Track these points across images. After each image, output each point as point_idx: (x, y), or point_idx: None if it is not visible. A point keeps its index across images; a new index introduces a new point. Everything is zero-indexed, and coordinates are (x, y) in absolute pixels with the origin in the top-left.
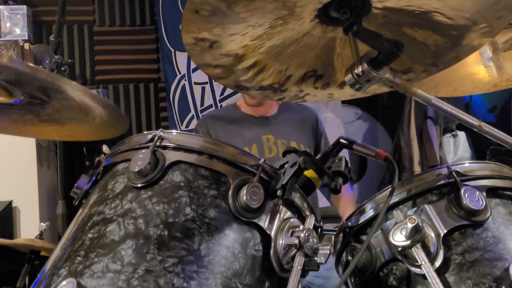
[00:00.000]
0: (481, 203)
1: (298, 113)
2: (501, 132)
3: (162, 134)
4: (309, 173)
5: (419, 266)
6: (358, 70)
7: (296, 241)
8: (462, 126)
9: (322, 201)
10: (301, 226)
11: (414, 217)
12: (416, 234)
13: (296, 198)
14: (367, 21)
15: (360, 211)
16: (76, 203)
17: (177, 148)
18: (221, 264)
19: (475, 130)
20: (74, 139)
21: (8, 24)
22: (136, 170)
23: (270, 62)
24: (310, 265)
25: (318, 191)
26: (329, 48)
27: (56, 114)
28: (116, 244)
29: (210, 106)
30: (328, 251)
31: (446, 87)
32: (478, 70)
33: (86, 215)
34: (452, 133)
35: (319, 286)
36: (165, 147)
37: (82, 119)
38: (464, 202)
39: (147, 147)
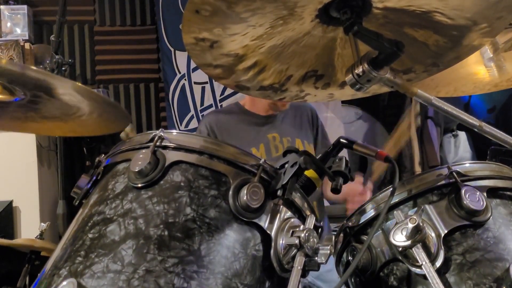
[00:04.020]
0: (481, 203)
1: (295, 109)
2: (501, 132)
3: (162, 134)
4: (309, 173)
5: (419, 266)
6: (359, 70)
7: (297, 241)
8: (463, 126)
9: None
10: (302, 226)
11: (414, 217)
12: (417, 234)
13: (297, 198)
14: (367, 21)
15: (360, 211)
16: (76, 203)
17: (178, 148)
18: (222, 264)
19: (476, 130)
20: (75, 134)
21: (8, 24)
22: (136, 170)
23: (270, 62)
24: (310, 265)
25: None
26: (329, 48)
27: (57, 111)
28: (116, 244)
29: (210, 106)
30: (329, 251)
31: (447, 87)
32: (478, 70)
33: (87, 215)
34: (453, 133)
35: (320, 286)
36: (165, 147)
37: (78, 116)
38: (465, 202)
39: (148, 147)
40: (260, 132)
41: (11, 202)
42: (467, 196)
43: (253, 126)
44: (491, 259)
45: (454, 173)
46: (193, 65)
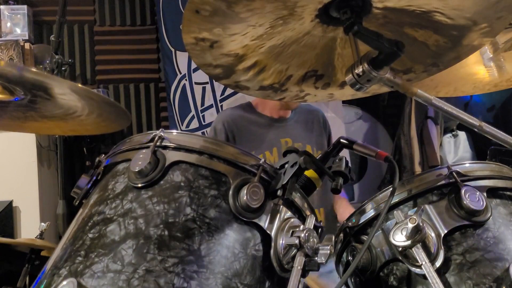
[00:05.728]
0: (481, 203)
1: (307, 114)
2: (501, 132)
3: (162, 134)
4: (309, 173)
5: (419, 266)
6: (359, 70)
7: (297, 241)
8: (463, 126)
9: None
10: (302, 226)
11: (414, 217)
12: (417, 234)
13: (297, 198)
14: (367, 21)
15: (360, 211)
16: (76, 203)
17: (178, 148)
18: (222, 264)
19: (476, 130)
20: (76, 133)
21: (8, 24)
22: (136, 170)
23: (270, 62)
24: (310, 265)
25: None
26: (329, 48)
27: (57, 111)
28: (116, 244)
29: (211, 106)
30: (329, 251)
31: (447, 87)
32: (478, 70)
33: (87, 215)
34: (453, 133)
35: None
36: (165, 147)
37: (78, 115)
38: (465, 202)
39: (148, 147)
40: (273, 136)
41: (11, 202)
42: (467, 196)
43: (267, 129)
44: (491, 259)
45: (454, 173)
46: (193, 65)
